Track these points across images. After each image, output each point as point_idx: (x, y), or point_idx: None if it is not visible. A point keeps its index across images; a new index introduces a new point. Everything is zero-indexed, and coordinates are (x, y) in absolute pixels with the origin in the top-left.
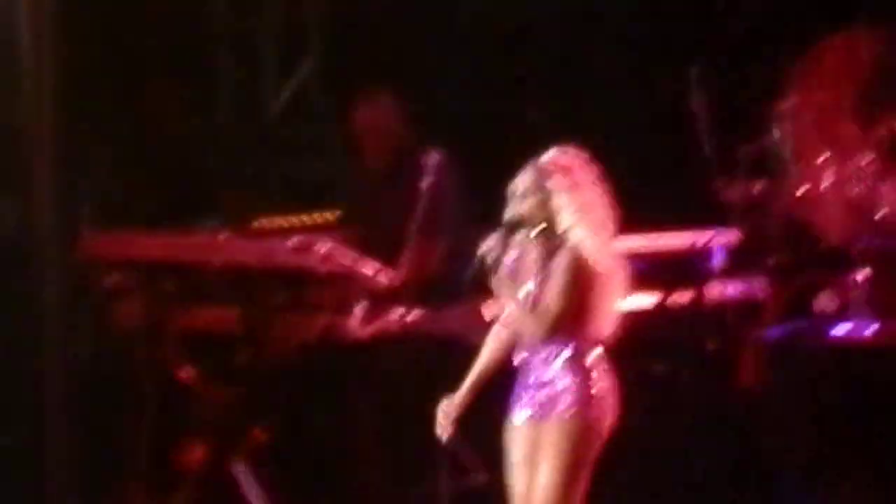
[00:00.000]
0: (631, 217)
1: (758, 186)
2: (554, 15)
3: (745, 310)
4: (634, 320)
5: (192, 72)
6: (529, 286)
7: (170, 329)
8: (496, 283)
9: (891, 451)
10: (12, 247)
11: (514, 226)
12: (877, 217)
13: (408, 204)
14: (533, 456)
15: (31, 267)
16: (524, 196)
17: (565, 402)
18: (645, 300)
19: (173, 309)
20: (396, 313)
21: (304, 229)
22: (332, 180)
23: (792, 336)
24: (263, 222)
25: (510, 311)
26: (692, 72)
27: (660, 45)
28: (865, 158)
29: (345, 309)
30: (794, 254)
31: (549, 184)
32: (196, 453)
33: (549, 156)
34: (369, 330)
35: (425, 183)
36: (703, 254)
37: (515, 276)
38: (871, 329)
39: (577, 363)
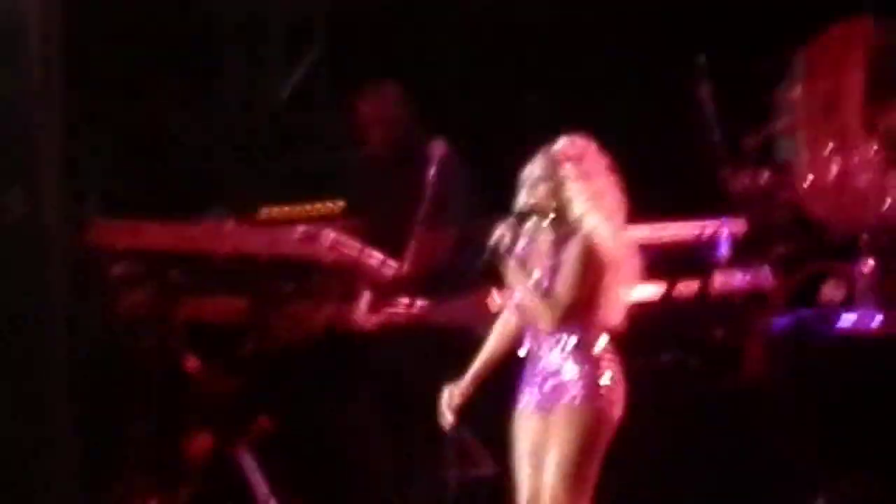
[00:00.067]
0: (637, 207)
1: (764, 176)
2: (559, 4)
3: (751, 300)
4: (640, 310)
5: (199, 62)
6: (540, 274)
7: (176, 318)
8: (507, 270)
9: None
10: (19, 236)
11: (526, 214)
12: (883, 207)
13: (413, 194)
14: (540, 446)
15: (38, 256)
16: (536, 184)
17: (573, 392)
18: (651, 290)
19: (179, 298)
20: (402, 303)
21: (309, 219)
22: (338, 170)
23: (798, 326)
24: (269, 212)
25: (520, 299)
26: (698, 61)
27: (665, 34)
28: (872, 148)
29: (350, 299)
30: (800, 244)
31: (561, 172)
32: (201, 442)
33: (561, 144)
34: (375, 320)
35: (430, 173)
36: (709, 244)
37: (526, 264)
38: (876, 319)
39: (585, 352)
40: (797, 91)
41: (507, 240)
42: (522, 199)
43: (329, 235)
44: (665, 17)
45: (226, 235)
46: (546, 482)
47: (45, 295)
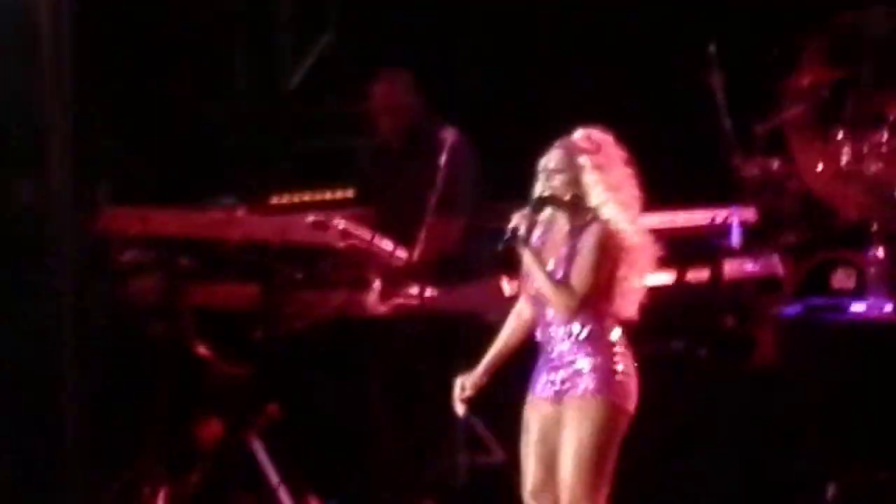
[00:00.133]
0: (648, 194)
1: (775, 164)
2: None
3: (762, 287)
4: (651, 297)
5: (209, 48)
6: (555, 263)
7: (186, 305)
8: (522, 259)
9: None
10: (29, 223)
11: (542, 203)
12: (893, 194)
13: (424, 181)
14: (549, 436)
15: (49, 243)
16: (552, 174)
17: (587, 384)
18: (662, 278)
19: (190, 285)
20: (412, 291)
21: (320, 206)
22: (350, 157)
23: (808, 314)
24: (280, 199)
25: (535, 288)
26: (709, 49)
27: (676, 22)
28: (882, 136)
29: (361, 286)
30: (811, 232)
31: (578, 163)
32: (212, 429)
33: (578, 135)
34: (385, 307)
35: (442, 160)
36: (720, 231)
37: (541, 254)
38: (887, 307)
39: (598, 343)
40: (807, 79)
41: (522, 229)
42: (539, 189)
43: (340, 222)
44: (676, 5)
45: (236, 222)
46: (563, 477)
47: (56, 282)
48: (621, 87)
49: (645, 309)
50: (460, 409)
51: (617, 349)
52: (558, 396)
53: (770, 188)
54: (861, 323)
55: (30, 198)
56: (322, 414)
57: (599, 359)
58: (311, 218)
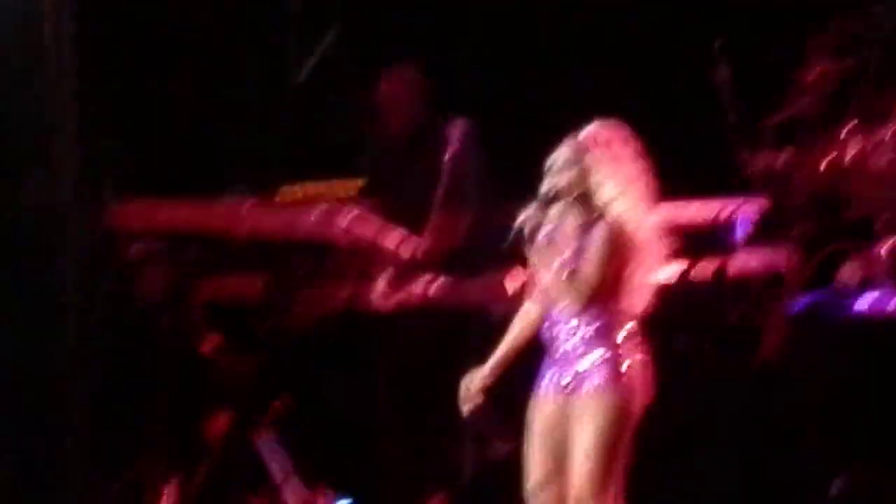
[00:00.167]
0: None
1: (782, 157)
2: None
3: (769, 281)
4: (658, 291)
5: (217, 41)
6: (565, 257)
7: (193, 298)
8: (532, 253)
9: None
10: (37, 217)
11: (553, 197)
12: None
13: (431, 174)
14: (557, 429)
15: (56, 237)
16: (564, 168)
17: (596, 379)
18: (669, 271)
19: (197, 278)
20: (420, 284)
21: (328, 199)
22: (357, 150)
23: (816, 307)
24: (288, 192)
25: (545, 282)
26: (716, 41)
27: (681, 14)
28: (891, 128)
29: (368, 279)
30: (819, 225)
31: (590, 157)
32: (220, 422)
33: (590, 129)
34: (393, 300)
35: (449, 153)
36: (728, 225)
37: (551, 248)
38: (894, 301)
39: (608, 338)
40: (815, 71)
41: (533, 223)
42: (549, 183)
43: (348, 215)
44: None
45: (244, 215)
46: (573, 473)
47: (63, 276)
48: (628, 81)
49: (652, 302)
50: (468, 406)
51: (626, 345)
52: (567, 392)
53: (777, 182)
54: (868, 318)
55: (35, 195)
56: (330, 407)
57: (608, 354)
58: (319, 211)
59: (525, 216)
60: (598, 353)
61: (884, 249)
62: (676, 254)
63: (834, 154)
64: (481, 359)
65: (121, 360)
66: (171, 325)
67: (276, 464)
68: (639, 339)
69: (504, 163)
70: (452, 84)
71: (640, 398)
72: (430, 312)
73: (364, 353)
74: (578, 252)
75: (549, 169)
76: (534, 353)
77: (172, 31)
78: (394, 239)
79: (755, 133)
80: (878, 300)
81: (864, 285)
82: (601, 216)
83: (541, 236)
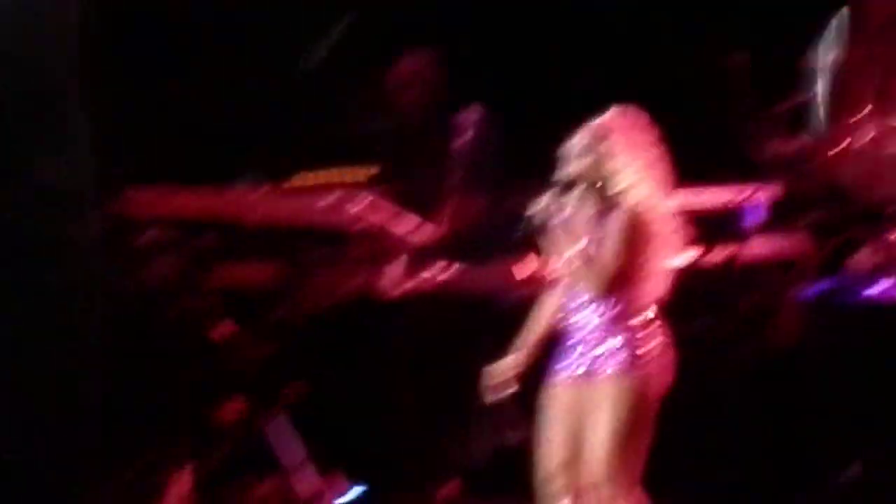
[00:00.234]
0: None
1: (797, 143)
2: None
3: (783, 267)
4: (673, 277)
5: (229, 28)
6: (582, 245)
7: (208, 285)
8: (549, 241)
9: None
10: (52, 203)
11: (569, 185)
12: None
13: (445, 160)
14: (577, 414)
15: (71, 223)
16: (580, 155)
17: (615, 363)
18: (684, 257)
19: (211, 265)
20: (432, 270)
21: (342, 186)
22: (371, 137)
23: (829, 293)
24: (301, 179)
25: (563, 269)
26: (730, 27)
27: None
28: None
29: (381, 265)
30: (833, 211)
31: (607, 144)
32: (234, 408)
33: (607, 116)
34: (405, 286)
35: (463, 139)
36: (742, 211)
37: (568, 235)
38: None
39: (628, 322)
40: (830, 57)
41: (550, 210)
42: (567, 170)
43: (360, 202)
44: None
45: (258, 202)
46: (593, 456)
47: (78, 262)
48: (642, 68)
49: (669, 290)
50: (492, 396)
51: (646, 329)
52: (587, 377)
53: (792, 167)
54: (883, 303)
55: (51, 178)
56: (343, 394)
57: (628, 339)
58: (332, 198)
59: (541, 204)
60: (616, 339)
61: None
62: (691, 240)
63: (847, 140)
64: (494, 345)
65: (136, 345)
66: (183, 311)
67: (288, 450)
68: (656, 325)
69: (518, 150)
70: (466, 71)
71: (658, 384)
72: (443, 299)
73: (377, 340)
74: (595, 239)
75: (565, 156)
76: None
77: (185, 19)
78: (406, 225)
79: (769, 119)
80: (890, 287)
81: (877, 272)
82: (617, 203)
83: (557, 224)
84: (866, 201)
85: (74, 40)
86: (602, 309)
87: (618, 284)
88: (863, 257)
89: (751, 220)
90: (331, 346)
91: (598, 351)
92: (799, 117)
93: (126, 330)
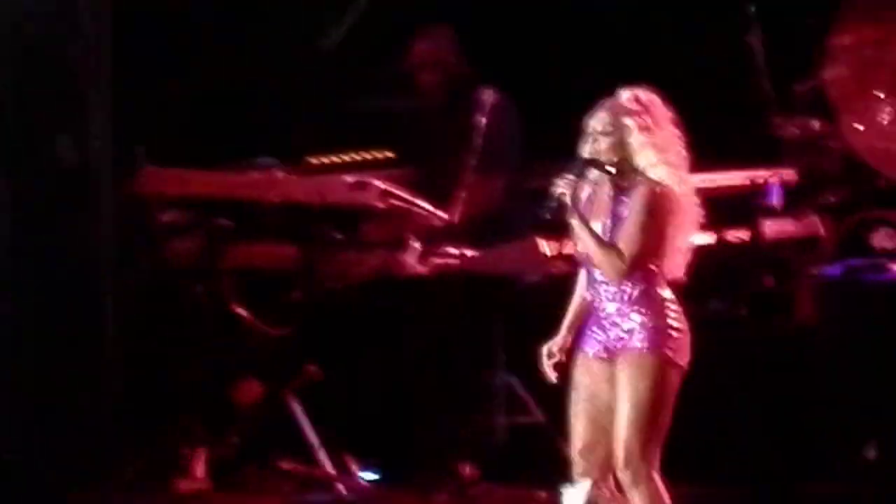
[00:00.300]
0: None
1: (815, 123)
2: None
3: (802, 247)
4: (692, 258)
5: (248, 8)
6: (603, 226)
7: (225, 266)
8: (569, 223)
9: None
10: (69, 183)
11: (587, 166)
12: None
13: (464, 141)
14: (601, 393)
15: (88, 203)
16: (598, 136)
17: (640, 339)
18: (702, 238)
19: (228, 246)
20: (452, 250)
21: (359, 166)
22: (389, 117)
23: (848, 274)
24: (319, 159)
25: (583, 251)
26: (748, 8)
27: None
28: None
29: (400, 246)
30: (851, 191)
31: (624, 123)
32: (250, 390)
33: (624, 95)
34: (424, 267)
35: (482, 118)
36: (760, 192)
37: (589, 214)
38: None
39: (650, 300)
40: (848, 37)
41: (569, 192)
42: (584, 151)
43: (379, 183)
44: None
45: (275, 183)
46: (618, 434)
47: (95, 242)
48: (661, 45)
49: (687, 269)
50: (552, 375)
51: (668, 306)
52: (610, 355)
53: (810, 148)
54: None
55: (69, 156)
56: (360, 375)
57: (651, 316)
58: (350, 178)
59: (561, 185)
60: (642, 315)
61: None
62: (711, 220)
63: (867, 120)
64: (512, 326)
65: (153, 326)
66: (202, 291)
67: (305, 432)
68: (678, 302)
69: (537, 128)
70: (485, 48)
71: (679, 363)
72: (462, 279)
73: (394, 321)
74: (616, 219)
75: (585, 136)
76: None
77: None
78: (426, 206)
79: (788, 99)
80: None
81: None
82: (638, 182)
83: (578, 205)
84: (884, 181)
85: (95, 21)
86: (625, 286)
87: (637, 266)
88: (882, 237)
89: (771, 200)
90: (347, 328)
91: (621, 329)
92: (817, 98)
93: (143, 309)
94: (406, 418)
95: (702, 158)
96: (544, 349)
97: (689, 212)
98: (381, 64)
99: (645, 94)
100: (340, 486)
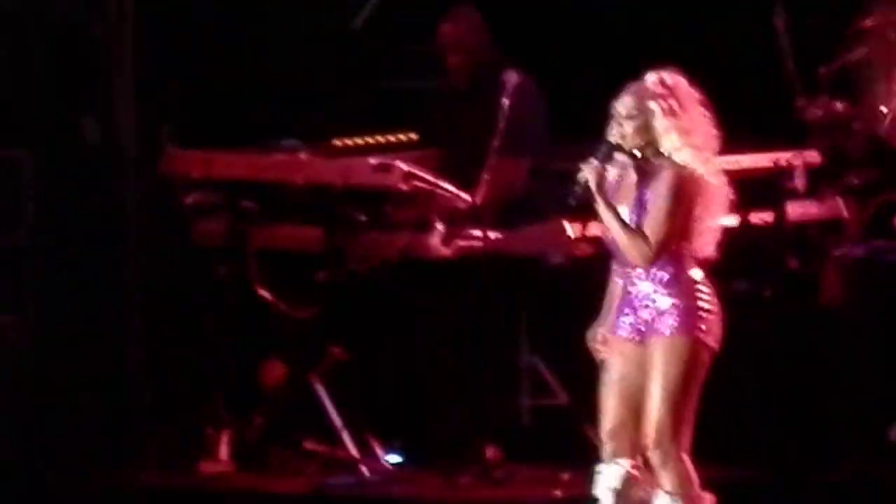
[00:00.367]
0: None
1: (839, 105)
2: None
3: (827, 229)
4: (721, 237)
5: None
6: (630, 209)
7: (250, 248)
8: (596, 206)
9: None
10: (95, 164)
11: (614, 149)
12: None
13: (489, 122)
14: (631, 375)
15: (114, 184)
16: (627, 117)
17: (669, 324)
18: (727, 219)
19: (254, 228)
20: (476, 232)
21: (384, 148)
22: (414, 98)
23: (872, 255)
24: (343, 141)
25: (611, 235)
26: None
27: None
28: None
29: (424, 228)
30: (876, 173)
31: (653, 105)
32: (275, 371)
33: (650, 78)
34: (449, 249)
35: (506, 101)
36: (785, 173)
37: (616, 197)
38: None
39: (680, 281)
40: (872, 20)
41: (594, 177)
42: (611, 134)
43: (404, 165)
44: None
45: (300, 165)
46: (649, 415)
47: (121, 223)
48: (686, 27)
49: (719, 249)
50: (603, 355)
51: (699, 287)
52: (641, 337)
53: (835, 130)
54: None
55: (95, 140)
56: (385, 356)
57: (681, 297)
58: (374, 160)
59: (588, 170)
60: (672, 296)
61: None
62: (737, 201)
63: (891, 102)
64: (536, 308)
65: (178, 307)
66: (227, 273)
67: (329, 414)
68: (707, 284)
69: (563, 111)
70: (512, 29)
71: (714, 338)
72: (487, 261)
73: (419, 303)
74: (643, 203)
75: (612, 119)
76: (589, 298)
77: None
78: (450, 188)
79: (813, 81)
80: None
81: None
82: (665, 165)
83: (605, 188)
84: None
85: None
86: (654, 268)
87: (665, 248)
88: None
89: (796, 182)
90: (371, 309)
91: (651, 311)
92: (842, 80)
93: (168, 291)
94: (430, 400)
95: (728, 140)
96: (597, 336)
97: (715, 193)
98: (408, 44)
99: (670, 77)
100: (364, 468)
